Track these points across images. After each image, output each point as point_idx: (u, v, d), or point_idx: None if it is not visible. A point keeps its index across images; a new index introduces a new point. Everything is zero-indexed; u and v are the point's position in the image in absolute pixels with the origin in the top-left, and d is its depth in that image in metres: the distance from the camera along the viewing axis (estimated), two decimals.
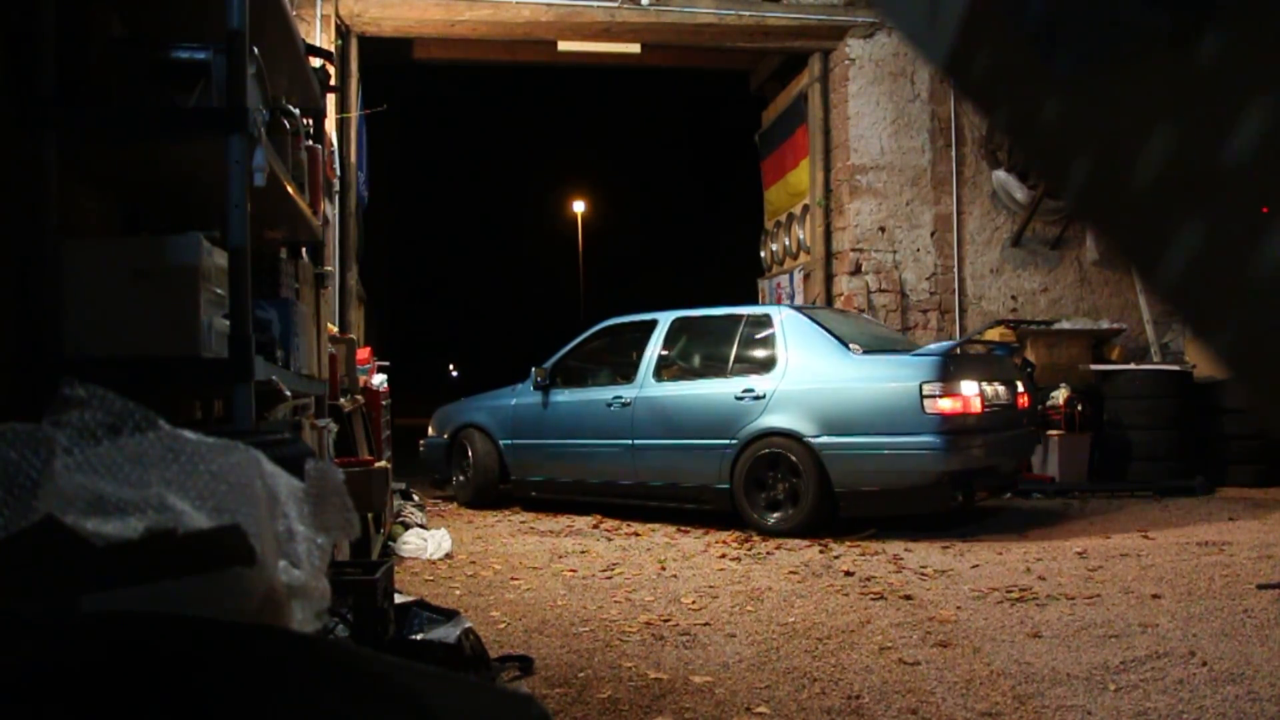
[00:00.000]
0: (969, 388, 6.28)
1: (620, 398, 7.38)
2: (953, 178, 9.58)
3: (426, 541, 5.84)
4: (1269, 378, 0.64)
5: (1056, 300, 9.77)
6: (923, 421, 6.13)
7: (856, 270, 9.51)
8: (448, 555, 5.79)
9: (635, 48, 9.75)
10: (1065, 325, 9.37)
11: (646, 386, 7.32)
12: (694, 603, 4.55)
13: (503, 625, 4.16)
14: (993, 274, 9.68)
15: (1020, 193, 9.53)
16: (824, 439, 6.36)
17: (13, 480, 1.11)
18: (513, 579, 5.18)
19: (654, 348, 7.44)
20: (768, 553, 5.86)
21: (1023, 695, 3.14)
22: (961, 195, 9.61)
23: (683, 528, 6.83)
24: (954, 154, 9.58)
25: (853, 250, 9.52)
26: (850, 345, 6.64)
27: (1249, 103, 0.60)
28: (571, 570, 5.41)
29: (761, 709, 3.07)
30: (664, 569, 5.41)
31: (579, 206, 37.78)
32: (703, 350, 7.67)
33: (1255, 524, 6.50)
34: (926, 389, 6.15)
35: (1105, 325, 9.48)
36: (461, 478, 8.32)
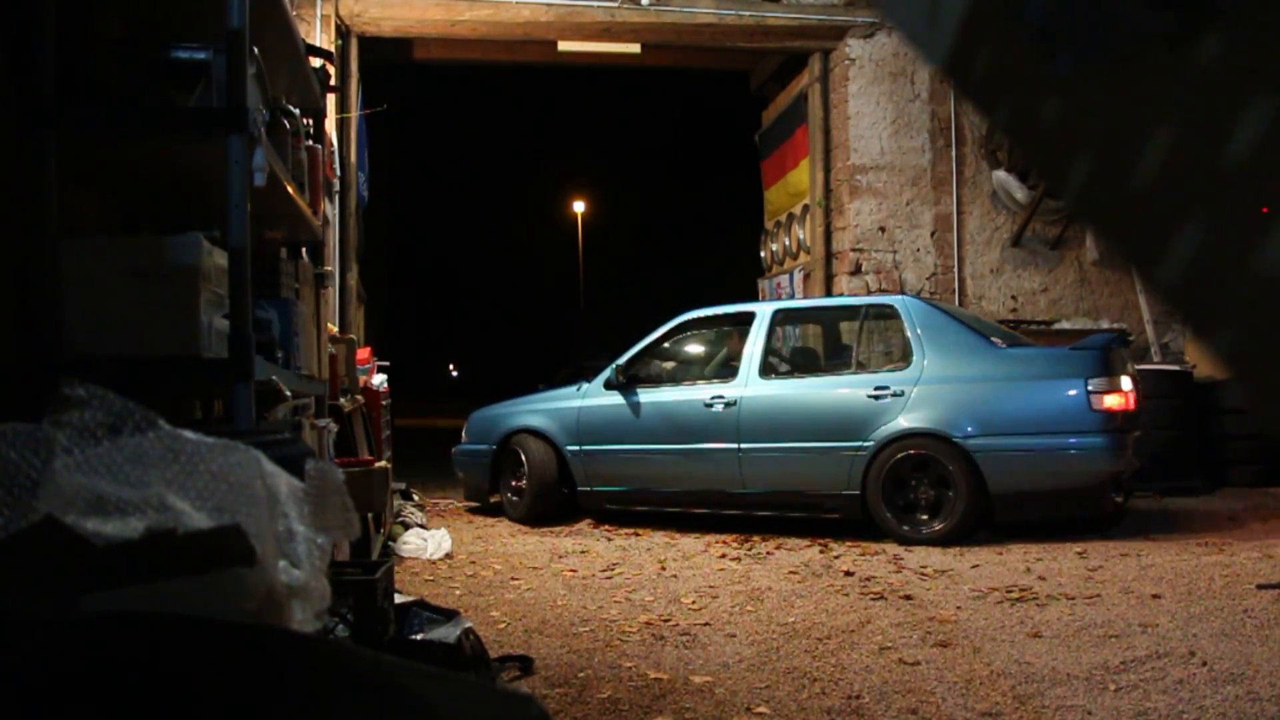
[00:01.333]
0: (1126, 383, 5.97)
1: (722, 397, 6.68)
2: (953, 178, 9.58)
3: (426, 541, 5.84)
4: (1269, 378, 0.64)
5: (1056, 300, 9.77)
6: (1089, 419, 5.81)
7: (856, 270, 9.51)
8: (448, 555, 5.79)
9: (635, 48, 9.75)
10: (1065, 325, 9.38)
11: (753, 385, 6.65)
12: (694, 603, 4.55)
13: (503, 625, 4.16)
14: (993, 274, 9.69)
15: (1020, 193, 9.53)
16: (978, 440, 5.93)
17: (13, 480, 1.11)
18: (513, 579, 5.18)
19: (757, 342, 6.76)
20: (768, 553, 5.86)
21: (1023, 695, 3.14)
22: (961, 195, 9.61)
23: (683, 528, 6.83)
24: (954, 154, 9.58)
25: (853, 250, 9.52)
26: (991, 338, 6.27)
27: (1249, 103, 0.60)
28: (571, 570, 5.41)
29: (761, 709, 3.07)
30: (664, 569, 5.41)
31: (579, 206, 37.79)
32: (816, 344, 7.20)
33: (1255, 524, 6.50)
34: (1092, 385, 5.83)
35: (1105, 325, 9.47)
36: (513, 491, 7.40)
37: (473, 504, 7.97)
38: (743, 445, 6.56)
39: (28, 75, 2.39)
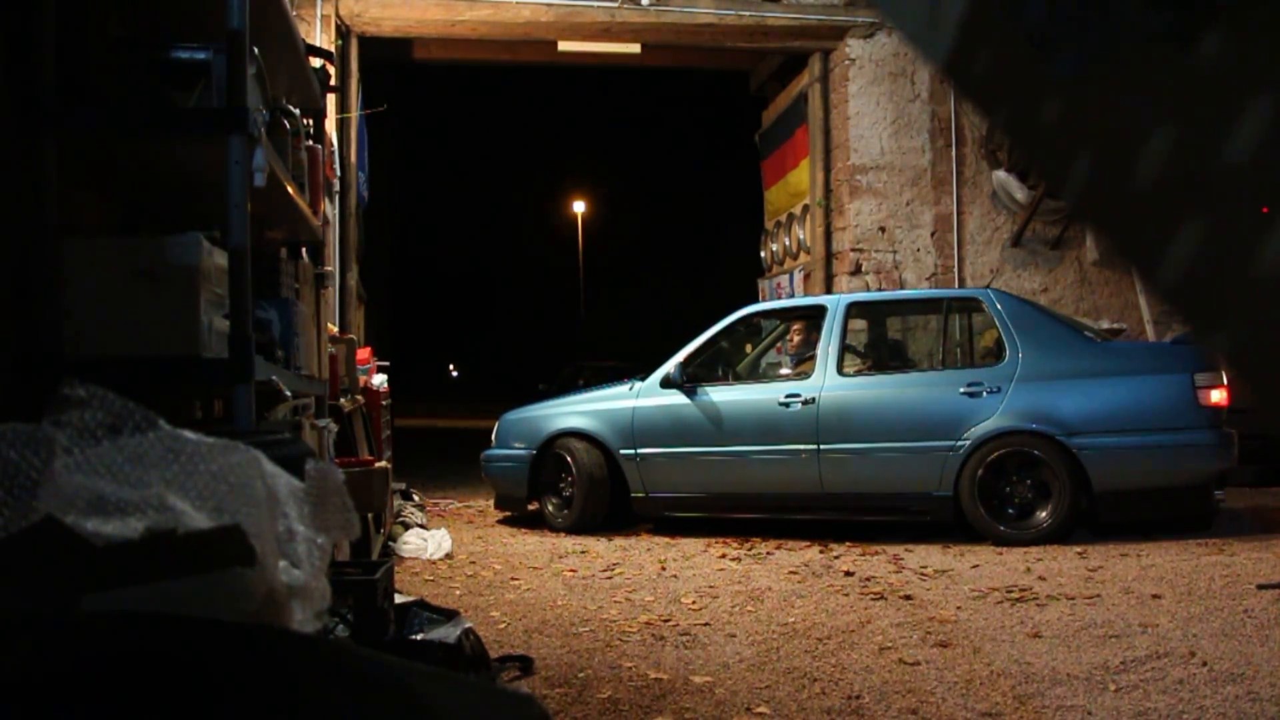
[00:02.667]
0: (1227, 379, 5.78)
1: (798, 396, 6.34)
2: (953, 178, 9.58)
3: (426, 541, 5.84)
4: (1269, 378, 0.64)
5: (1057, 300, 9.77)
6: (1197, 415, 5.69)
7: (857, 270, 9.51)
8: (448, 555, 5.79)
9: (635, 48, 9.75)
10: None
11: (832, 382, 6.33)
12: (694, 603, 4.55)
13: (503, 625, 4.16)
14: (993, 274, 9.68)
15: (1020, 193, 9.53)
16: (1081, 437, 5.78)
17: (13, 480, 1.11)
18: (513, 579, 5.18)
19: (833, 338, 6.44)
20: (768, 553, 5.85)
21: (1023, 695, 3.14)
22: (961, 195, 9.61)
23: (683, 530, 6.82)
24: (954, 154, 9.58)
25: (853, 250, 9.52)
26: (1085, 332, 6.12)
27: (1249, 103, 0.60)
28: (571, 570, 5.41)
29: (761, 709, 3.07)
30: (664, 569, 5.41)
31: (579, 206, 37.80)
32: (897, 340, 6.93)
33: (1255, 524, 6.49)
34: (1199, 380, 5.70)
35: (1105, 325, 9.47)
36: (556, 499, 6.90)
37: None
38: (823, 446, 6.25)
39: (28, 76, 2.39)
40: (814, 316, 6.84)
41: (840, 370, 6.38)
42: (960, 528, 6.07)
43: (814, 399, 6.30)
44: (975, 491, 5.92)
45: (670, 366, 6.74)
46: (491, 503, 8.39)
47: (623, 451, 6.69)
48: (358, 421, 5.27)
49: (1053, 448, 5.83)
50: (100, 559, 1.05)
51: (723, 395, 6.64)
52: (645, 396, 6.76)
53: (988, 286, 7.27)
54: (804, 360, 6.80)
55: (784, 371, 7.00)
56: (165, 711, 0.86)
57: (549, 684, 3.34)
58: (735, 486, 6.49)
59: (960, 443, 5.98)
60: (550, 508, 6.90)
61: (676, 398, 6.65)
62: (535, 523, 7.02)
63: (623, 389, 6.95)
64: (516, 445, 7.14)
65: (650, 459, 6.64)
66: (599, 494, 6.70)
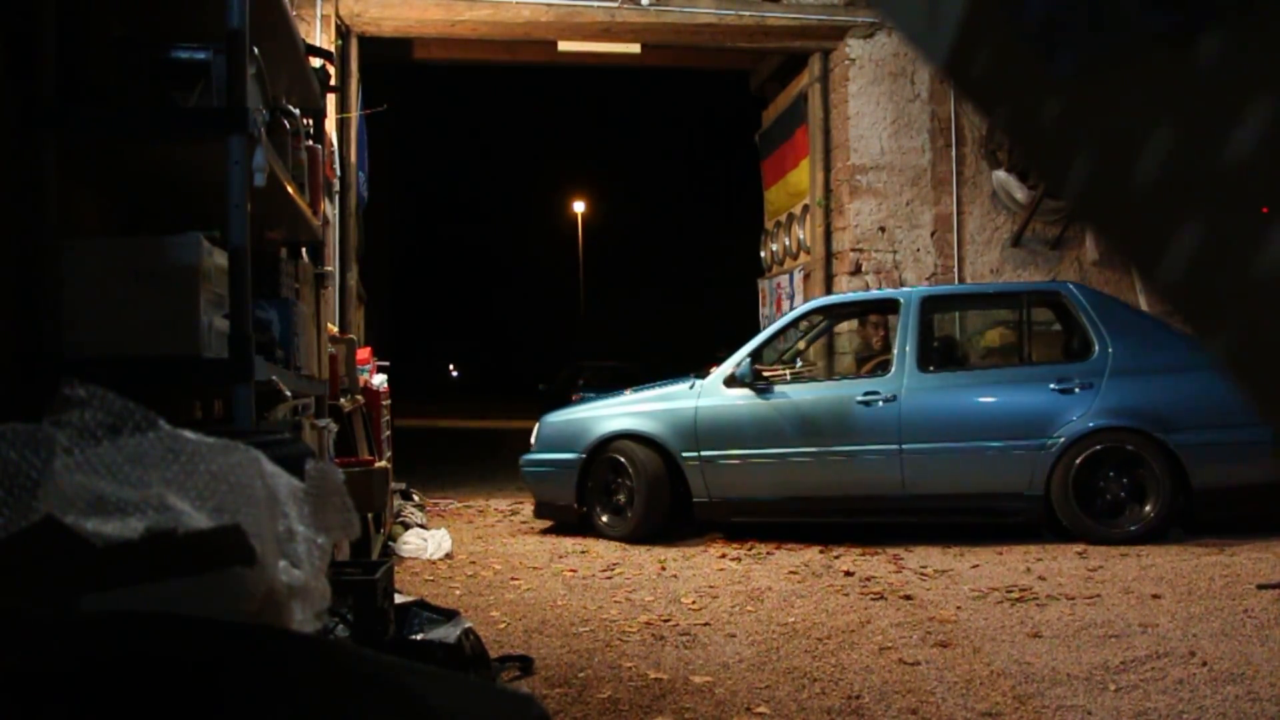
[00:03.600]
0: None
1: (877, 393, 6.14)
2: (953, 178, 9.58)
3: (426, 541, 5.85)
4: (1269, 378, 0.64)
5: None
6: None
7: (857, 270, 9.51)
8: (448, 555, 5.79)
9: (635, 48, 9.75)
10: None
11: (913, 379, 6.13)
12: (694, 603, 4.55)
13: (503, 625, 4.16)
14: (993, 274, 9.68)
15: (1020, 193, 9.53)
16: (1180, 434, 5.68)
17: (13, 480, 1.11)
18: (513, 579, 5.18)
19: (910, 333, 6.23)
20: (768, 553, 5.85)
21: (1023, 695, 3.14)
22: (961, 195, 9.61)
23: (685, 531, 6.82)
24: (954, 154, 9.58)
25: (853, 250, 9.52)
26: (1172, 326, 5.99)
27: (1249, 103, 0.60)
28: (571, 570, 5.41)
29: (761, 709, 3.07)
30: (664, 569, 5.41)
31: (579, 206, 37.81)
32: (978, 335, 6.78)
33: (1255, 524, 6.49)
34: None
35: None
36: (609, 506, 6.50)
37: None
38: (905, 446, 6.03)
39: (28, 76, 2.39)
40: (886, 311, 6.66)
41: (921, 366, 6.19)
42: (1051, 528, 5.95)
43: (895, 396, 6.10)
44: (1070, 491, 5.80)
45: (736, 363, 6.42)
46: (491, 503, 8.40)
47: (685, 454, 6.34)
48: (358, 421, 5.27)
49: (1150, 444, 5.74)
50: (100, 559, 1.05)
51: (795, 393, 6.37)
52: (709, 395, 6.43)
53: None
54: (873, 356, 6.62)
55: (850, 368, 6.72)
56: (165, 712, 0.86)
57: (549, 684, 3.34)
58: (809, 489, 6.21)
59: (1052, 440, 5.86)
60: (606, 517, 6.47)
61: (743, 396, 6.34)
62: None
63: (681, 387, 6.60)
64: (562, 449, 6.68)
65: (715, 461, 6.30)
66: (660, 499, 6.31)
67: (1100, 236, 0.73)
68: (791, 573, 5.22)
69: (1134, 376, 5.89)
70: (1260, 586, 4.54)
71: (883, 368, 6.46)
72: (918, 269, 9.59)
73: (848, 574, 5.15)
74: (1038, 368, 6.21)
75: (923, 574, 5.10)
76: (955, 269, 9.60)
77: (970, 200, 9.67)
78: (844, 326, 8.50)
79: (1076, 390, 5.92)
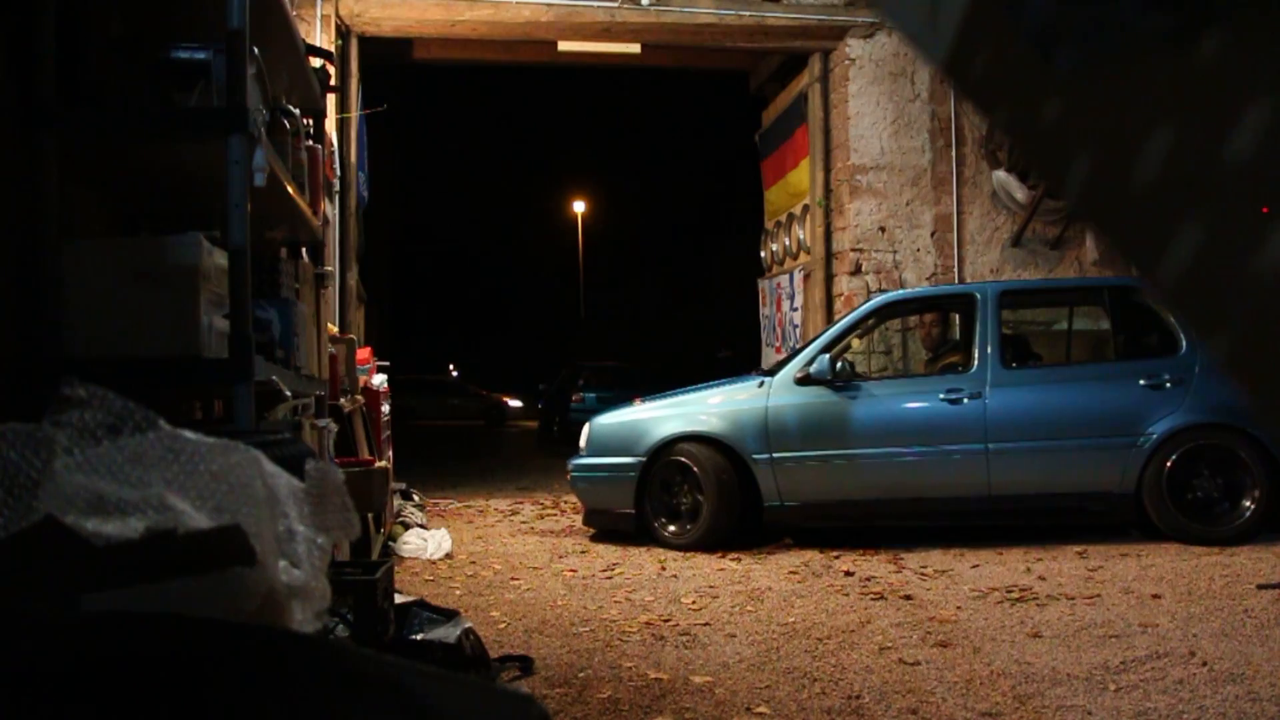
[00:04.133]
0: None
1: (960, 391, 5.98)
2: (953, 178, 9.58)
3: (426, 541, 5.85)
4: (1269, 378, 0.64)
5: None
6: None
7: (857, 270, 9.51)
8: (448, 555, 5.79)
9: (635, 48, 9.75)
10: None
11: (996, 376, 5.97)
12: (694, 603, 4.55)
13: (503, 625, 4.16)
14: (993, 274, 9.68)
15: (1020, 193, 9.53)
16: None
17: (13, 480, 1.11)
18: (513, 579, 5.18)
19: (990, 328, 6.06)
20: (768, 553, 5.85)
21: (1023, 695, 3.14)
22: (961, 195, 9.61)
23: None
24: (954, 154, 9.58)
25: (853, 250, 9.52)
26: None
27: (1249, 103, 0.60)
28: (571, 570, 5.41)
29: (761, 709, 3.07)
30: (664, 569, 5.41)
31: (579, 206, 37.82)
32: (1058, 330, 6.58)
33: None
34: None
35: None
36: (671, 512, 6.17)
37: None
38: (991, 445, 5.87)
39: (28, 76, 2.39)
40: (957, 305, 6.56)
41: (1004, 363, 6.04)
42: (1139, 527, 5.89)
43: (980, 393, 5.94)
44: (1163, 489, 5.70)
45: (808, 360, 6.17)
46: (491, 503, 8.40)
47: (756, 456, 6.04)
48: (358, 421, 5.27)
49: (1247, 442, 5.63)
50: (100, 559, 1.05)
51: (874, 391, 6.16)
52: (780, 393, 6.14)
53: None
54: (945, 352, 6.49)
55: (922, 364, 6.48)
56: (165, 712, 0.86)
57: (549, 684, 3.34)
58: (889, 492, 5.99)
59: (1144, 438, 5.76)
60: (670, 525, 6.14)
61: (818, 393, 6.09)
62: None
63: (749, 385, 6.32)
64: (618, 453, 6.31)
65: (788, 463, 6.03)
66: (730, 505, 6.01)
67: (1100, 236, 0.73)
68: (791, 573, 5.22)
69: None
70: (1260, 586, 4.55)
71: (957, 364, 6.29)
72: (918, 269, 9.59)
73: (848, 574, 5.15)
74: (1124, 364, 6.10)
75: (923, 574, 5.10)
76: (955, 269, 9.60)
77: (970, 200, 9.67)
78: (894, 323, 8.33)
79: (1167, 386, 5.82)
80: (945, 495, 5.96)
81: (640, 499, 6.18)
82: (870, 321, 6.66)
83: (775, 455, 6.03)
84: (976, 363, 6.05)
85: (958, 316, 6.79)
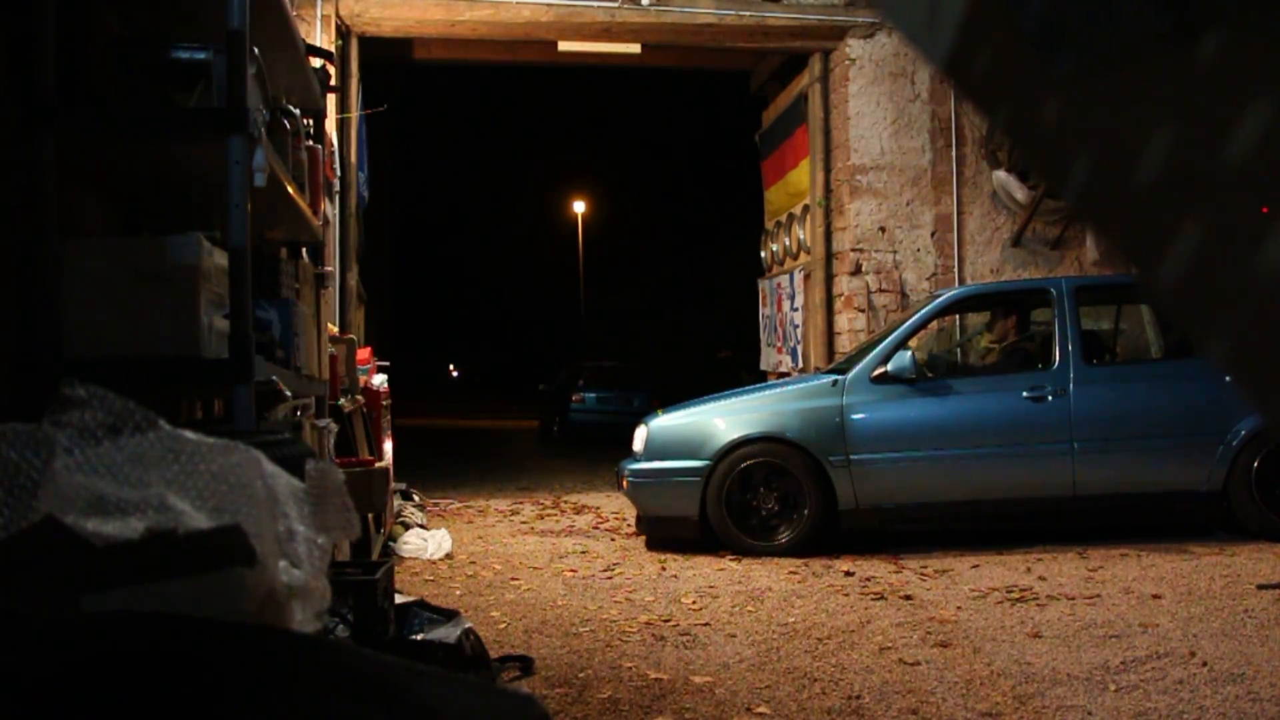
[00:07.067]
0: None
1: (1043, 388, 5.84)
2: (953, 178, 9.58)
3: (426, 541, 5.85)
4: (1269, 378, 0.64)
5: None
6: None
7: (857, 270, 9.51)
8: (448, 555, 5.79)
9: (635, 48, 9.75)
10: None
11: (1080, 373, 5.84)
12: (694, 603, 4.55)
13: (503, 625, 4.16)
14: (993, 274, 9.68)
15: (1020, 193, 9.53)
16: None
17: (13, 480, 1.11)
18: (513, 579, 5.18)
19: (1069, 324, 5.92)
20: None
21: (1023, 695, 3.14)
22: (962, 195, 9.61)
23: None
24: (954, 154, 9.58)
25: (853, 250, 9.52)
26: None
27: (1249, 103, 0.60)
28: (571, 570, 5.41)
29: (762, 709, 3.07)
30: (664, 569, 5.41)
31: (579, 206, 37.81)
32: (1136, 325, 6.54)
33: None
34: None
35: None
36: (747, 518, 5.85)
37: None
38: (1077, 444, 5.74)
39: (28, 75, 2.39)
40: (1032, 301, 6.45)
41: (1085, 359, 5.92)
42: (1225, 527, 5.80)
43: (1065, 391, 5.81)
44: (1252, 487, 5.61)
45: (883, 357, 5.97)
46: (491, 503, 8.39)
47: (831, 458, 5.81)
48: (358, 421, 5.27)
49: None
50: (100, 559, 1.05)
51: (957, 388, 6.01)
52: (856, 392, 5.92)
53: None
54: (1018, 348, 6.39)
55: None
56: (165, 711, 0.86)
57: (549, 684, 3.34)
58: (971, 493, 5.80)
59: (1231, 435, 5.69)
60: (742, 531, 5.85)
61: (896, 392, 5.91)
62: (535, 523, 6.94)
63: (822, 383, 6.11)
64: (681, 456, 6.00)
65: (865, 465, 5.81)
66: (811, 509, 5.79)
67: (1100, 236, 0.73)
68: (791, 573, 5.22)
69: None
70: (1260, 586, 4.54)
71: (1034, 359, 6.17)
72: (918, 269, 9.59)
73: (848, 574, 5.15)
74: (1207, 360, 6.05)
75: (923, 574, 5.10)
76: (956, 269, 9.60)
77: (970, 200, 9.67)
78: (948, 320, 8.22)
79: None
80: (1029, 496, 5.80)
81: (704, 504, 5.90)
82: (945, 317, 6.47)
83: (852, 457, 5.82)
84: (1058, 359, 5.91)
85: (1014, 314, 6.65)
